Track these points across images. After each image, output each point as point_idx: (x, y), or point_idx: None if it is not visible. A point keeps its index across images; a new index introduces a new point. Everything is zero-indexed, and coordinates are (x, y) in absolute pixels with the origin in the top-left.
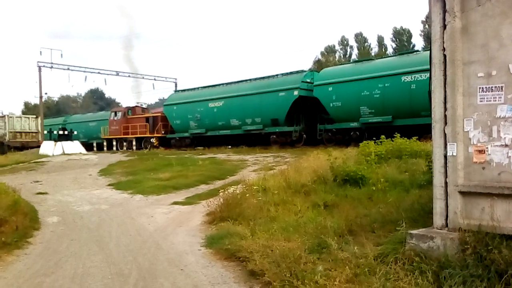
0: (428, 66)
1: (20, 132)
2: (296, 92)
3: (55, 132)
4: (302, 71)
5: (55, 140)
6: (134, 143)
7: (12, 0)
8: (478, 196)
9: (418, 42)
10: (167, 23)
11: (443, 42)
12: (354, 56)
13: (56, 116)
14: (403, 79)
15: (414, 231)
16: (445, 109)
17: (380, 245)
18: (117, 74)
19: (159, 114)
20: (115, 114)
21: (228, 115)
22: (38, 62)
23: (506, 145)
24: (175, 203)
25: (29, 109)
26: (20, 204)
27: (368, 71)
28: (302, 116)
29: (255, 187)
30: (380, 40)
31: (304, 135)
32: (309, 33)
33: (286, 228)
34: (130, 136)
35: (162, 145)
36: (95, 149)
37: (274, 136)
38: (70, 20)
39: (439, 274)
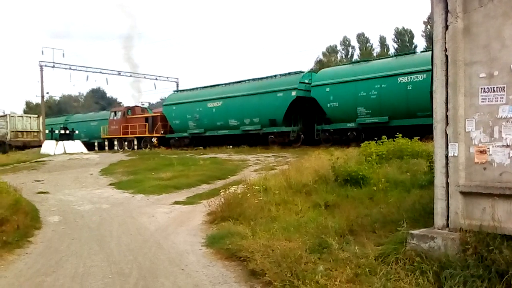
0: (424, 68)
1: (22, 132)
2: (294, 93)
3: (56, 131)
4: (300, 71)
5: (57, 140)
6: (135, 142)
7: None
8: (479, 196)
9: (420, 42)
10: (168, 23)
11: (445, 42)
12: (356, 57)
13: (58, 115)
14: (399, 80)
15: (415, 231)
16: (447, 109)
17: (381, 245)
18: (119, 74)
19: (159, 114)
20: (115, 114)
21: (227, 115)
22: (40, 61)
23: (508, 146)
24: (176, 202)
25: (30, 108)
26: (21, 203)
27: (365, 72)
28: (300, 116)
29: (256, 187)
30: (382, 41)
31: (302, 135)
32: (311, 33)
33: (287, 228)
34: (129, 136)
35: (161, 145)
36: (96, 148)
37: (272, 136)
38: (72, 20)
39: (440, 274)
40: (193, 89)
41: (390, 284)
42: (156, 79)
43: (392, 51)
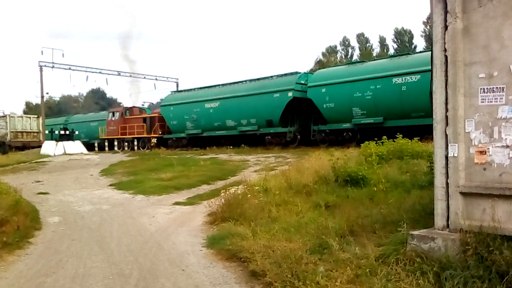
0: (418, 69)
1: (22, 132)
2: (290, 94)
3: (56, 132)
4: (297, 72)
5: (57, 140)
6: (135, 143)
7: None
8: (479, 197)
9: (419, 42)
10: (168, 23)
11: (445, 43)
12: (355, 57)
13: (58, 116)
14: (394, 81)
15: (415, 232)
16: (447, 110)
17: (381, 246)
18: (119, 74)
19: (156, 115)
20: (113, 115)
21: (224, 116)
22: (40, 61)
23: (507, 146)
24: (177, 203)
25: (30, 109)
26: (21, 204)
27: (360, 73)
28: (297, 117)
29: (256, 188)
30: (382, 41)
31: (299, 136)
32: (311, 33)
33: (287, 229)
34: (127, 136)
35: (159, 146)
36: (96, 149)
37: (269, 137)
38: (71, 20)
39: (440, 275)
40: (190, 89)
41: (391, 285)
42: (156, 79)
43: (391, 51)
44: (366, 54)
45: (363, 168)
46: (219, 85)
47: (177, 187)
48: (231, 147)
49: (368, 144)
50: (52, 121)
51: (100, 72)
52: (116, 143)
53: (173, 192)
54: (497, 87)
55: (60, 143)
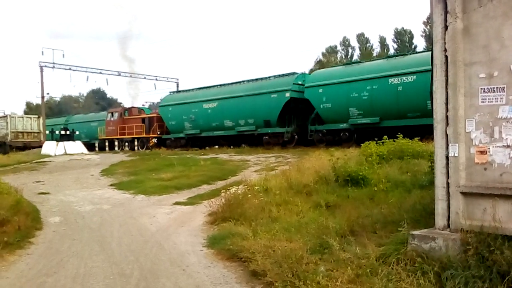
0: (414, 69)
1: (22, 132)
2: (287, 94)
3: (57, 132)
4: (294, 73)
5: (57, 140)
6: (136, 143)
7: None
8: (480, 197)
9: (419, 43)
10: (168, 23)
11: (445, 43)
12: (355, 57)
13: (58, 116)
14: (390, 82)
15: (416, 232)
16: (447, 110)
17: (382, 246)
18: (119, 74)
19: (155, 115)
20: (112, 115)
21: (222, 116)
22: (40, 62)
23: (508, 146)
24: (177, 203)
25: (31, 109)
26: (22, 204)
27: (357, 74)
28: (294, 117)
29: (256, 188)
30: (382, 41)
31: (296, 136)
32: (311, 33)
33: (288, 229)
34: (126, 136)
35: (159, 146)
36: (97, 149)
37: (267, 137)
38: (71, 20)
39: (441, 275)
40: (189, 90)
41: (391, 285)
42: (156, 79)
43: (392, 51)
44: (366, 54)
45: (364, 168)
46: (217, 85)
47: (177, 187)
48: (231, 147)
49: (369, 144)
50: (53, 121)
51: (100, 73)
52: (116, 143)
53: (174, 192)
54: (497, 87)
55: (60, 143)
